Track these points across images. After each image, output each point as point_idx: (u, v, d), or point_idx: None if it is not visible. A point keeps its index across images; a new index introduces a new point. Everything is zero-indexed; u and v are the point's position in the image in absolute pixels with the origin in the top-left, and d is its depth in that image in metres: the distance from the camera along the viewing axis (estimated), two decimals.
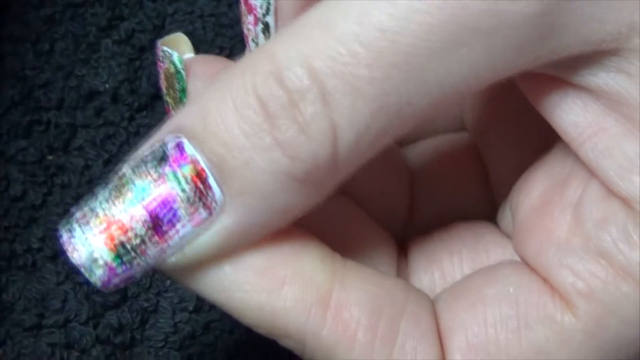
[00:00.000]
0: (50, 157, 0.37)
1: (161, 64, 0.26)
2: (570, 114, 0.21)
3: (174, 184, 0.21)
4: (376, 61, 0.19)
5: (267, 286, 0.22)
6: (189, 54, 0.26)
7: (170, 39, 0.26)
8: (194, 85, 0.25)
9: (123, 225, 0.21)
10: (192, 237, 0.21)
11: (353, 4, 0.20)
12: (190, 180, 0.21)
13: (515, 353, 0.22)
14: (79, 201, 0.22)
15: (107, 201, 0.21)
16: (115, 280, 0.21)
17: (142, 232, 0.21)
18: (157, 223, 0.21)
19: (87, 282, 0.21)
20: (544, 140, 0.25)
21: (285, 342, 0.23)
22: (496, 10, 0.19)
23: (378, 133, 0.20)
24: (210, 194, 0.21)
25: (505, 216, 0.27)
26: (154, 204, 0.21)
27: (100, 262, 0.21)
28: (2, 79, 0.38)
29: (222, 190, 0.21)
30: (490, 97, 0.29)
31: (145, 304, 0.36)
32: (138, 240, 0.21)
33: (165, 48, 0.25)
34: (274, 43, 0.20)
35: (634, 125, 0.20)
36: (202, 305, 0.36)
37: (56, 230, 0.22)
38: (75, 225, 0.21)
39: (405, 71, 0.19)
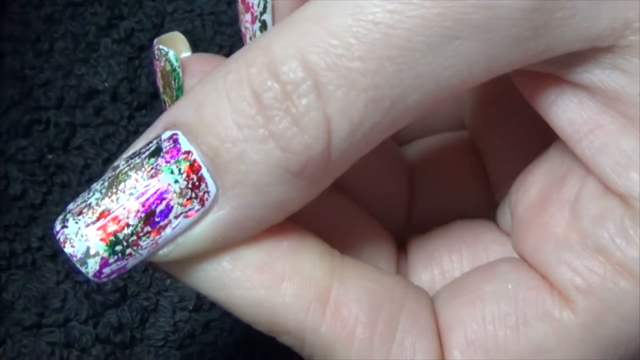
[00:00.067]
0: (49, 156, 0.37)
1: (157, 63, 0.26)
2: (566, 111, 0.22)
3: (168, 177, 0.21)
4: (369, 53, 0.19)
5: (266, 282, 0.22)
6: (186, 53, 0.26)
7: (167, 37, 0.26)
8: (190, 84, 0.25)
9: (116, 217, 0.21)
10: (185, 229, 0.21)
11: None
12: (185, 173, 0.21)
13: (514, 350, 0.22)
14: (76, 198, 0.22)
15: (101, 193, 0.21)
16: (107, 271, 0.21)
17: (135, 223, 0.21)
18: (151, 215, 0.21)
19: (87, 280, 0.21)
20: (543, 138, 0.25)
21: (284, 339, 0.23)
22: (490, 4, 0.19)
23: (372, 126, 0.20)
24: (204, 186, 0.21)
25: (504, 214, 0.27)
26: (148, 196, 0.21)
27: (93, 253, 0.21)
28: (2, 78, 0.38)
29: (216, 183, 0.21)
30: (489, 96, 0.29)
31: (145, 303, 0.36)
32: (131, 232, 0.21)
33: (161, 46, 0.25)
34: (268, 36, 0.20)
35: (630, 121, 0.20)
36: (202, 304, 0.36)
37: (53, 226, 0.22)
38: (69, 217, 0.21)
39: (399, 64, 0.19)
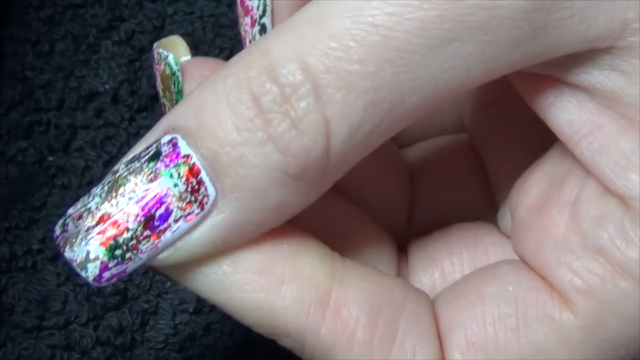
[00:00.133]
0: (50, 158, 0.37)
1: (157, 66, 0.26)
2: (565, 112, 0.22)
3: (168, 181, 0.21)
4: (368, 56, 0.19)
5: (266, 285, 0.22)
6: (186, 56, 0.26)
7: (167, 41, 0.26)
8: (190, 87, 0.25)
9: (116, 221, 0.21)
10: (184, 233, 0.21)
11: (346, 1, 0.20)
12: (184, 177, 0.21)
13: (515, 351, 0.22)
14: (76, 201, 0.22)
15: (100, 197, 0.21)
16: (107, 276, 0.21)
17: (135, 227, 0.21)
18: (150, 219, 0.21)
19: (87, 283, 0.21)
20: (543, 140, 0.25)
21: (284, 342, 0.23)
22: (489, 5, 0.19)
23: (371, 129, 0.20)
24: (203, 190, 0.21)
25: (504, 216, 0.27)
26: (147, 200, 0.21)
27: (92, 257, 0.21)
28: (2, 80, 0.38)
29: (215, 187, 0.21)
30: (488, 98, 0.29)
31: (146, 306, 0.36)
32: (130, 236, 0.21)
33: (160, 50, 0.25)
34: (267, 39, 0.20)
35: (629, 122, 0.20)
36: (203, 307, 0.36)
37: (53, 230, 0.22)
38: (69, 221, 0.21)
39: (398, 66, 0.19)
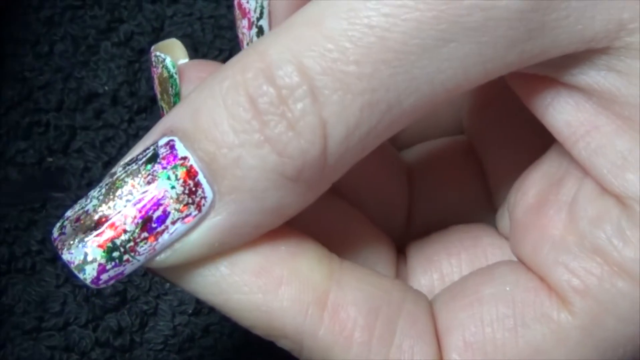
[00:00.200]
0: (49, 159, 0.37)
1: (154, 69, 0.26)
2: (562, 113, 0.22)
3: (165, 183, 0.21)
4: (364, 57, 0.19)
5: (264, 286, 0.22)
6: (183, 59, 0.26)
7: (164, 44, 0.26)
8: (187, 90, 0.25)
9: (113, 223, 0.21)
10: (182, 235, 0.21)
11: (342, 2, 0.20)
12: (181, 179, 0.21)
13: (512, 352, 0.22)
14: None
15: (98, 200, 0.21)
16: (105, 278, 0.21)
17: (133, 230, 0.21)
18: (148, 221, 0.21)
19: (85, 284, 0.21)
20: (541, 141, 0.25)
21: (282, 343, 0.23)
22: (485, 6, 0.19)
23: (368, 130, 0.20)
24: (200, 192, 0.21)
25: (503, 218, 0.27)
26: (145, 202, 0.21)
27: (90, 259, 0.21)
28: (2, 80, 0.38)
29: (212, 189, 0.21)
30: (486, 99, 0.29)
31: (145, 307, 0.36)
32: (128, 238, 0.21)
33: (158, 53, 0.25)
34: (264, 41, 0.20)
35: (626, 122, 0.20)
36: (202, 308, 0.36)
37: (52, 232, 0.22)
38: (67, 223, 0.21)
39: (394, 67, 0.19)
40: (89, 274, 0.21)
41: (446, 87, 0.20)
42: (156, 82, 0.26)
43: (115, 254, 0.21)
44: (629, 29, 0.19)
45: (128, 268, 0.21)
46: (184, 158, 0.21)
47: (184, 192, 0.21)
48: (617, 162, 0.21)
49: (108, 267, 0.21)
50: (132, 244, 0.21)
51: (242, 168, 0.20)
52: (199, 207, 0.21)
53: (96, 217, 0.21)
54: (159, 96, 0.26)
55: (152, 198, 0.21)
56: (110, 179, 0.21)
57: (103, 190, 0.21)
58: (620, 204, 0.21)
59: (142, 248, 0.21)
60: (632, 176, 0.20)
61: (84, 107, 0.38)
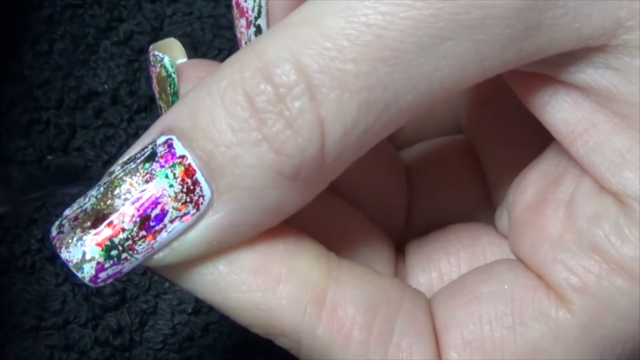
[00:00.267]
0: (49, 157, 0.37)
1: (153, 69, 0.26)
2: (560, 111, 0.22)
3: (163, 182, 0.21)
4: (362, 55, 0.19)
5: (262, 285, 0.22)
6: (182, 59, 0.26)
7: (162, 43, 0.26)
8: (186, 89, 0.25)
9: (111, 222, 0.21)
10: (180, 233, 0.21)
11: (339, 1, 0.20)
12: (179, 178, 0.21)
13: (511, 350, 0.22)
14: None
15: (96, 199, 0.21)
16: (103, 276, 0.21)
17: (131, 228, 0.21)
18: (146, 220, 0.21)
19: (84, 283, 0.21)
20: (540, 139, 0.25)
21: (281, 342, 0.23)
22: (481, 4, 0.19)
23: (366, 128, 0.20)
24: (198, 190, 0.21)
25: (502, 217, 0.27)
26: (143, 201, 0.21)
27: (88, 257, 0.21)
28: (1, 79, 0.38)
29: (210, 187, 0.21)
30: (485, 98, 0.29)
31: (144, 306, 0.36)
32: (126, 237, 0.21)
33: (156, 52, 0.25)
34: (262, 40, 0.20)
35: (623, 120, 0.20)
36: (201, 307, 0.36)
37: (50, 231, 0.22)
38: (65, 222, 0.21)
39: (392, 65, 0.19)
40: (87, 272, 0.21)
41: (444, 85, 0.20)
42: (154, 81, 0.26)
43: (114, 252, 0.21)
44: (626, 26, 0.19)
45: (126, 266, 0.21)
46: (182, 157, 0.21)
47: (182, 191, 0.21)
48: (615, 160, 0.21)
49: (106, 265, 0.21)
50: (130, 242, 0.21)
51: (240, 166, 0.20)
52: (197, 206, 0.21)
53: (93, 215, 0.21)
54: (157, 95, 0.26)
55: (150, 197, 0.21)
56: (109, 178, 0.21)
57: (101, 189, 0.21)
58: (618, 202, 0.21)
59: (141, 247, 0.21)
60: (630, 174, 0.20)
61: (84, 105, 0.38)
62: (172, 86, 0.25)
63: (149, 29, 0.39)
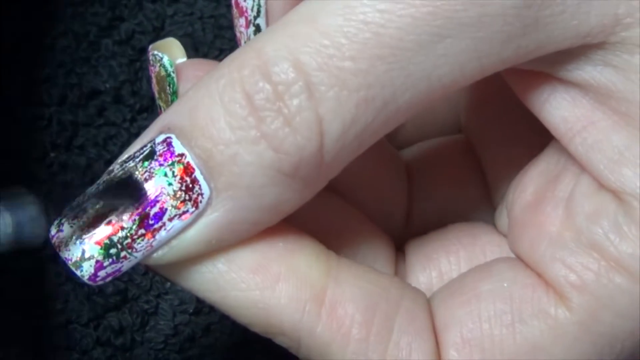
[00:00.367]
0: (52, 155, 0.37)
1: (152, 68, 0.26)
2: (559, 109, 0.22)
3: (162, 180, 0.21)
4: (360, 53, 0.19)
5: (261, 283, 0.22)
6: (181, 58, 0.26)
7: (162, 43, 0.26)
8: (185, 88, 0.25)
9: (110, 220, 0.21)
10: (179, 231, 0.21)
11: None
12: (178, 176, 0.21)
13: (510, 348, 0.22)
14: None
15: (95, 197, 0.21)
16: (102, 274, 0.21)
17: (130, 226, 0.21)
18: (145, 218, 0.21)
19: (83, 282, 0.22)
20: (540, 138, 0.25)
21: (280, 340, 0.23)
22: (480, 2, 0.19)
23: (364, 126, 0.20)
24: (197, 189, 0.21)
25: (501, 216, 0.27)
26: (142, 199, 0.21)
27: (87, 256, 0.21)
28: (3, 74, 0.38)
29: (209, 186, 0.21)
30: (485, 97, 0.29)
31: (146, 306, 0.36)
32: (125, 235, 0.21)
33: (155, 52, 0.25)
34: (261, 39, 0.21)
35: (622, 118, 0.20)
36: (202, 308, 0.36)
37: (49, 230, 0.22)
38: (64, 221, 0.21)
39: (390, 63, 0.20)
40: (86, 270, 0.21)
41: (442, 83, 0.20)
42: (154, 80, 0.26)
43: (113, 250, 0.21)
44: (624, 23, 0.19)
45: (125, 265, 0.21)
46: (181, 155, 0.21)
47: (181, 189, 0.21)
48: (613, 157, 0.21)
49: (105, 263, 0.21)
50: (129, 240, 0.21)
51: (238, 164, 0.20)
52: (196, 204, 0.21)
53: (92, 214, 0.21)
54: (156, 95, 0.26)
55: (149, 195, 0.21)
56: (108, 177, 0.21)
57: (100, 188, 0.21)
58: (617, 200, 0.21)
59: (140, 245, 0.21)
60: (629, 172, 0.20)
61: (86, 103, 0.38)
62: (171, 85, 0.25)
63: (150, 28, 0.39)
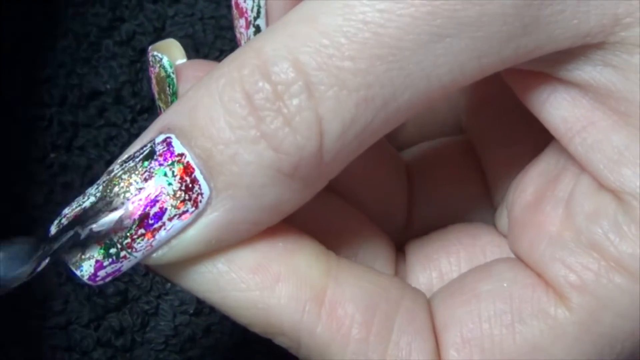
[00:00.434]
0: (52, 155, 0.37)
1: (152, 69, 0.26)
2: (559, 109, 0.22)
3: (162, 180, 0.21)
4: (360, 52, 0.19)
5: (261, 283, 0.22)
6: (181, 59, 0.26)
7: (162, 44, 0.26)
8: (184, 89, 0.25)
9: (110, 220, 0.21)
10: (179, 231, 0.21)
11: None
12: (178, 175, 0.21)
13: (510, 348, 0.22)
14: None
15: (95, 197, 0.21)
16: (102, 274, 0.21)
17: (130, 226, 0.21)
18: (144, 217, 0.21)
19: (84, 282, 0.22)
20: (540, 139, 0.25)
21: (280, 341, 0.23)
22: (479, 1, 0.19)
23: (364, 126, 0.20)
24: (197, 188, 0.21)
25: (502, 217, 0.27)
26: (142, 199, 0.21)
27: (87, 255, 0.21)
28: (2, 75, 0.38)
29: (209, 185, 0.21)
30: (486, 98, 0.29)
31: (146, 307, 0.36)
32: (125, 235, 0.21)
33: (155, 53, 0.25)
34: (261, 39, 0.21)
35: (621, 117, 0.20)
36: (203, 309, 0.36)
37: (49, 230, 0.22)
38: (64, 221, 0.21)
39: (389, 63, 0.20)
40: (86, 270, 0.21)
41: (442, 82, 0.20)
42: (154, 81, 0.26)
43: (112, 250, 0.21)
44: (624, 23, 0.19)
45: (125, 265, 0.21)
46: (181, 155, 0.21)
47: (180, 189, 0.21)
48: (613, 157, 0.21)
49: (105, 263, 0.21)
50: (129, 240, 0.21)
51: (238, 164, 0.20)
52: (195, 204, 0.21)
53: (92, 213, 0.21)
54: (156, 96, 0.26)
55: (149, 195, 0.21)
56: (108, 177, 0.22)
57: (100, 187, 0.21)
58: (617, 199, 0.21)
59: (139, 245, 0.21)
60: (629, 171, 0.20)
61: (87, 104, 0.38)
62: (171, 86, 0.25)
63: (150, 29, 0.39)
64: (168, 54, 0.25)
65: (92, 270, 0.21)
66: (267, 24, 0.25)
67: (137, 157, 0.21)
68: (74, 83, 0.38)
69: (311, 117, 0.20)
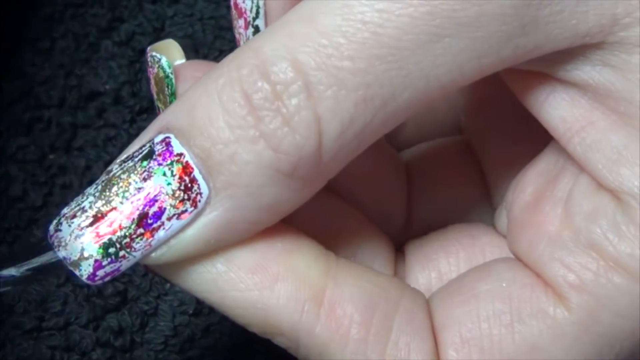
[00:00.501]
0: (51, 156, 0.37)
1: (150, 69, 0.26)
2: (558, 109, 0.22)
3: (161, 179, 0.21)
4: (358, 52, 0.20)
5: (260, 283, 0.22)
6: (180, 60, 0.26)
7: (160, 44, 0.26)
8: (183, 89, 0.25)
9: (109, 219, 0.21)
10: (178, 231, 0.21)
11: None
12: (177, 175, 0.21)
13: (509, 348, 0.22)
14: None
15: (94, 197, 0.21)
16: (101, 274, 0.21)
17: (128, 226, 0.21)
18: (143, 217, 0.21)
19: (83, 282, 0.22)
20: (540, 139, 0.25)
21: (278, 341, 0.23)
22: (477, 1, 0.19)
23: (363, 126, 0.20)
24: (196, 188, 0.21)
25: (501, 217, 0.27)
26: (141, 198, 0.21)
27: (86, 255, 0.21)
28: (2, 76, 0.38)
29: (208, 185, 0.21)
30: (485, 98, 0.29)
31: (145, 307, 0.36)
32: (124, 234, 0.21)
33: (153, 53, 0.26)
34: (259, 39, 0.21)
35: (620, 117, 0.20)
36: (202, 309, 0.36)
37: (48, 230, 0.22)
38: (63, 220, 0.21)
39: (388, 63, 0.20)
40: (85, 270, 0.21)
41: (441, 82, 0.20)
42: (152, 82, 0.26)
43: (111, 250, 0.21)
44: (622, 23, 0.20)
45: (124, 264, 0.21)
46: (180, 154, 0.21)
47: (179, 189, 0.21)
48: (612, 157, 0.21)
49: (104, 263, 0.21)
50: (128, 240, 0.21)
51: (237, 164, 0.20)
52: (194, 203, 0.21)
53: (92, 213, 0.21)
54: (155, 96, 0.26)
55: (148, 194, 0.21)
56: (107, 176, 0.22)
57: (99, 187, 0.21)
58: (616, 199, 0.21)
59: (138, 244, 0.21)
60: (627, 171, 0.20)
61: (86, 105, 0.38)
62: (169, 87, 0.25)
63: (150, 29, 0.39)
64: (167, 55, 0.25)
65: (91, 270, 0.21)
66: (266, 24, 0.25)
67: (136, 156, 0.21)
68: (73, 84, 0.38)
69: (310, 116, 0.20)
